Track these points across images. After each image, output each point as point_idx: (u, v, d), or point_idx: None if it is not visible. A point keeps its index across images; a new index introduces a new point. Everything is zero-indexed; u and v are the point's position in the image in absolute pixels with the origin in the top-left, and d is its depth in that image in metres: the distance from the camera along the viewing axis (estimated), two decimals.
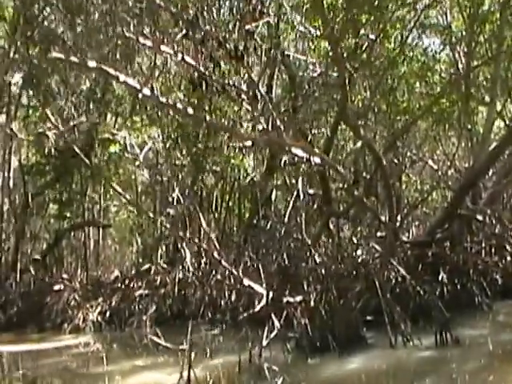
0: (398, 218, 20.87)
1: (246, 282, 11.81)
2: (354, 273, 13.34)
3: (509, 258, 15.37)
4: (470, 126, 18.55)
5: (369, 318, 11.61)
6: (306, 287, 11.60)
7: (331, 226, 16.60)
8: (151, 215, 19.59)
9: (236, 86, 10.86)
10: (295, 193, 13.97)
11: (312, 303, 11.09)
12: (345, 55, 12.35)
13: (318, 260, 12.75)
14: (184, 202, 17.03)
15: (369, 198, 16.65)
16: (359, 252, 14.88)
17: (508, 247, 15.64)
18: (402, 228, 16.80)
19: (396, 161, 22.69)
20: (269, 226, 16.11)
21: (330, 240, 16.44)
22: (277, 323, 10.47)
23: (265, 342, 10.23)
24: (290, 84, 15.38)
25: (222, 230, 20.94)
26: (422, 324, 11.60)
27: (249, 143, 11.54)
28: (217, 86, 10.29)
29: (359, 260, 14.14)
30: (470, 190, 15.23)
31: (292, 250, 14.49)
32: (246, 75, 11.04)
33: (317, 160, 11.63)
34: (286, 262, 14.07)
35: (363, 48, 13.54)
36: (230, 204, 22.22)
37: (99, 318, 15.72)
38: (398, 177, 23.39)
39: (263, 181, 18.83)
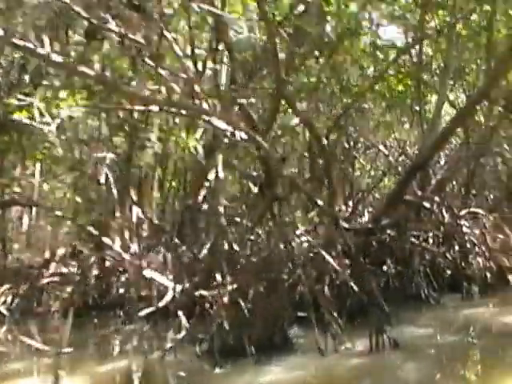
0: (350, 203, 19.25)
1: (148, 273, 9.71)
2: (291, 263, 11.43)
3: (457, 248, 13.51)
4: (418, 108, 16.73)
5: (302, 314, 9.55)
6: (223, 278, 9.45)
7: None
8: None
9: (137, 41, 8.76)
10: (213, 173, 11.87)
11: (230, 298, 8.95)
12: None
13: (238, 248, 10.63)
14: (114, 181, 14.98)
15: (312, 181, 14.78)
16: (303, 239, 13.04)
17: (457, 237, 13.82)
18: (355, 214, 14.98)
19: (348, 146, 21.51)
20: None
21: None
22: (185, 322, 8.42)
23: (170, 344, 8.22)
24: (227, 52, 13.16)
25: (161, 213, 18.97)
26: (361, 323, 9.72)
27: (155, 108, 9.36)
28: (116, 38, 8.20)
29: (297, 249, 12.15)
30: (416, 175, 13.35)
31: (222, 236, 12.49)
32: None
33: (243, 135, 9.54)
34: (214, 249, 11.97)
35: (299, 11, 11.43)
36: (174, 184, 20.31)
37: (2, 309, 13.30)
38: (351, 163, 22.12)
39: (204, 161, 16.74)
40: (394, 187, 14.36)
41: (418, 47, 17.38)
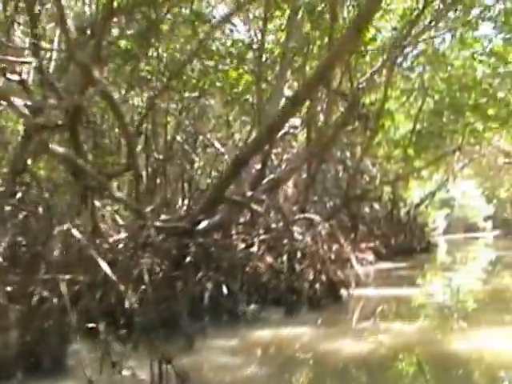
0: (186, 202, 17.64)
1: None
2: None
3: (286, 257, 11.89)
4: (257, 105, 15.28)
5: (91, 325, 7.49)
6: None
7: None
8: None
9: None
10: None
11: None
12: None
13: None
14: None
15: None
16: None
17: (287, 244, 12.24)
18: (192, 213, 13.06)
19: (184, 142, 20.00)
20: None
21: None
22: None
23: None
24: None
25: None
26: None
27: None
28: None
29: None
30: (239, 172, 11.57)
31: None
32: None
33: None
34: None
35: None
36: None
37: None
38: (189, 161, 20.57)
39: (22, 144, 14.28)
40: (214, 184, 12.49)
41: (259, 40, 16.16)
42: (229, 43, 17.17)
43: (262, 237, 12.18)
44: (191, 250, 10.97)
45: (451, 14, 18.38)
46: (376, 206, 26.76)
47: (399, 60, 19.48)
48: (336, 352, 8.22)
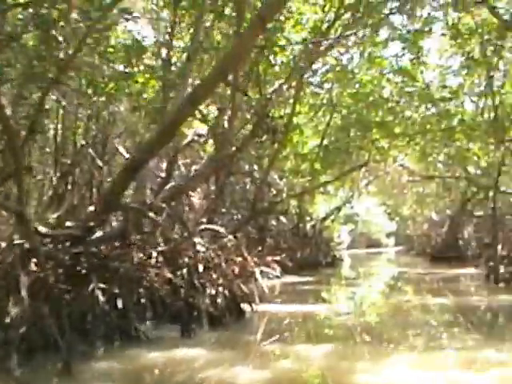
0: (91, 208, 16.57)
1: None
2: None
3: (186, 270, 10.82)
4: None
5: None
6: None
7: None
8: None
9: None
10: None
11: None
12: None
13: None
14: None
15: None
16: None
17: (188, 256, 11.18)
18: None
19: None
20: None
21: None
22: None
23: None
24: None
25: None
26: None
27: None
28: None
29: None
30: (133, 176, 10.40)
31: None
32: None
33: None
34: None
35: None
36: None
37: None
38: (96, 167, 19.38)
39: None
40: (108, 189, 11.23)
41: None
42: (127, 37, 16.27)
43: (160, 248, 11.08)
44: (83, 260, 9.82)
45: (361, 33, 17.88)
46: (282, 219, 26.13)
47: (308, 75, 18.87)
48: (232, 379, 7.16)
